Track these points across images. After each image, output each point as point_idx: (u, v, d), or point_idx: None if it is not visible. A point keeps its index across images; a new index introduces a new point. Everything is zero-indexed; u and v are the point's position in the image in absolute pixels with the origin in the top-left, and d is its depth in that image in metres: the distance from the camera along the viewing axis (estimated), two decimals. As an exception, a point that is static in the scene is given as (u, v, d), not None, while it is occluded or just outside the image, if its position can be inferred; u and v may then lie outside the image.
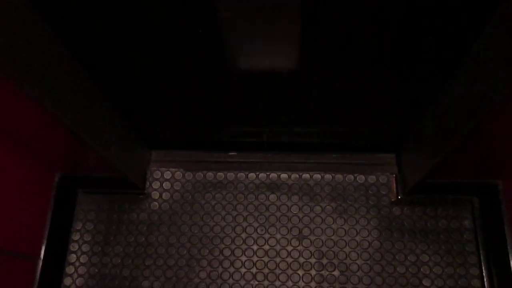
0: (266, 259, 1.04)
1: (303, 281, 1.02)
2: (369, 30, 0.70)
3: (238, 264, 1.04)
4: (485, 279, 1.00)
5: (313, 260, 1.04)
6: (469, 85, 0.73)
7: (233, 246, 1.05)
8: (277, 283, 1.03)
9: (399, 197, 1.06)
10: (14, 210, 0.91)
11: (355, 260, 1.03)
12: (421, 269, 1.02)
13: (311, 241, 1.05)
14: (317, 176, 1.10)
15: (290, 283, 1.02)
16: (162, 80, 0.85)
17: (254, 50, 0.75)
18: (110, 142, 0.89)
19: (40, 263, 1.00)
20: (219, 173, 1.10)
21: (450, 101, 0.80)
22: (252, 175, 1.10)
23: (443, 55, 0.74)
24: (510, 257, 0.98)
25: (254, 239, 1.06)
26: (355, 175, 1.09)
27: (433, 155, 0.86)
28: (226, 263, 1.04)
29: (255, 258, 1.04)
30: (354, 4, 0.64)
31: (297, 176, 1.10)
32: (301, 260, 1.04)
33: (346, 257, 1.04)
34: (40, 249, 1.01)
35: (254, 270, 1.04)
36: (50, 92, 0.68)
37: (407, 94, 0.87)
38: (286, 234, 1.06)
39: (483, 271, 1.01)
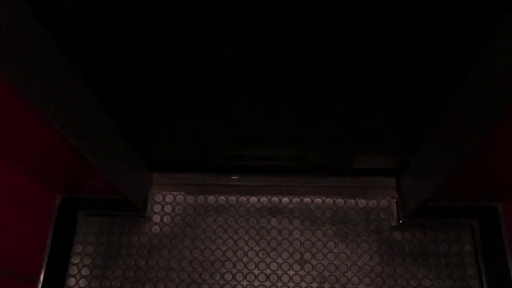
0: (267, 283, 1.03)
1: (305, 306, 1.01)
2: (366, 58, 0.72)
3: (239, 288, 1.03)
4: (487, 304, 1.00)
5: (315, 285, 1.03)
6: (468, 108, 0.74)
7: (234, 271, 1.04)
8: (279, 308, 1.01)
9: (400, 221, 1.06)
10: (14, 231, 0.90)
11: (357, 285, 1.03)
12: (424, 294, 1.01)
13: (312, 266, 1.05)
14: (318, 200, 1.10)
15: (292, 308, 1.01)
16: (164, 103, 0.86)
17: (257, 74, 0.77)
18: (113, 163, 0.89)
19: (40, 286, 0.98)
20: (220, 197, 1.11)
21: (449, 125, 0.82)
22: (253, 199, 1.11)
23: (442, 79, 0.76)
24: (512, 280, 0.98)
25: (255, 263, 1.05)
26: (356, 199, 1.10)
27: (433, 178, 0.87)
28: (228, 288, 1.03)
29: (256, 283, 1.03)
30: (351, 34, 0.66)
31: (299, 200, 1.10)
32: (303, 285, 1.03)
33: (348, 281, 1.03)
34: (40, 271, 0.99)
35: (255, 294, 1.02)
36: (58, 113, 0.68)
37: (406, 118, 0.89)
38: (288, 259, 1.05)
39: (485, 295, 1.00)
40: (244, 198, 1.11)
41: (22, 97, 0.60)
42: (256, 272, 1.04)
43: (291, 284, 1.03)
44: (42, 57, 0.63)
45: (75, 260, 1.05)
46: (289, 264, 1.05)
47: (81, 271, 1.04)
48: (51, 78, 0.66)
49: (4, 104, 0.63)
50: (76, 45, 0.69)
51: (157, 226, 1.08)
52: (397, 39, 0.66)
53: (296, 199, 1.10)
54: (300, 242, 1.07)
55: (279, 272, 1.04)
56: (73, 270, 1.04)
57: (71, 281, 1.03)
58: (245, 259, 1.05)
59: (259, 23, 0.65)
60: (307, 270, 1.04)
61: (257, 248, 1.06)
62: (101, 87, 0.80)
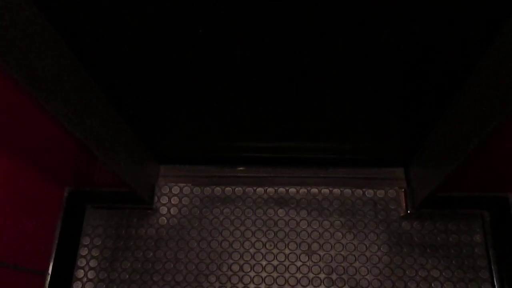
0: (275, 274, 1.03)
1: (312, 297, 1.01)
2: (377, 56, 0.71)
3: (247, 279, 1.03)
4: (497, 295, 0.99)
5: (322, 276, 1.03)
6: (478, 98, 0.73)
7: (241, 261, 1.04)
8: (287, 299, 1.01)
9: (409, 211, 1.05)
10: (23, 224, 0.90)
11: (365, 275, 1.02)
12: (432, 285, 1.01)
13: (320, 256, 1.04)
14: (326, 190, 1.09)
15: (299, 299, 1.01)
16: (171, 95, 0.86)
17: (264, 67, 0.76)
18: (120, 156, 0.89)
19: (48, 278, 0.99)
20: (227, 188, 1.10)
21: (459, 114, 0.80)
22: (260, 189, 1.10)
23: (451, 70, 0.74)
24: (522, 271, 0.97)
25: (262, 254, 1.05)
26: (364, 189, 1.09)
27: (443, 168, 0.86)
28: (235, 279, 1.03)
29: (264, 274, 1.03)
30: (358, 30, 0.65)
31: (306, 190, 1.09)
32: (311, 275, 1.03)
33: (356, 272, 1.02)
34: (48, 264, 1.00)
35: (263, 286, 1.02)
36: (64, 106, 0.68)
37: (415, 107, 0.87)
38: (295, 249, 1.05)
39: (495, 286, 0.99)
40: (251, 189, 1.10)
41: (27, 91, 0.60)
42: (264, 263, 1.04)
43: (298, 275, 1.03)
44: (47, 51, 0.63)
45: (83, 252, 1.06)
46: (297, 255, 1.05)
47: (90, 263, 1.05)
48: (56, 73, 0.66)
49: (10, 98, 0.63)
50: (82, 40, 0.69)
51: (164, 218, 1.08)
52: (406, 34, 0.66)
53: (303, 190, 1.10)
54: (308, 233, 1.06)
55: (287, 263, 1.04)
56: (81, 262, 1.05)
57: (80, 273, 1.04)
58: (252, 250, 1.05)
59: (265, 19, 0.64)
60: (314, 261, 1.04)
61: (264, 239, 1.06)
62: (107, 81, 0.80)
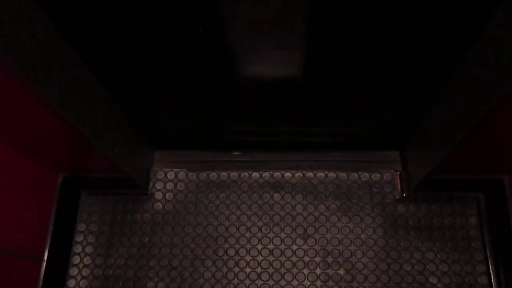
0: (271, 258, 1.04)
1: (308, 280, 1.02)
2: (371, 37, 0.70)
3: (243, 263, 1.03)
4: (492, 276, 0.99)
5: (318, 259, 1.03)
6: (473, 80, 0.72)
7: (237, 246, 1.05)
8: (282, 282, 1.02)
9: (404, 194, 1.05)
10: (18, 211, 0.90)
11: (361, 258, 1.03)
12: (427, 267, 1.01)
13: (316, 240, 1.04)
14: (321, 174, 1.09)
15: (295, 282, 1.02)
16: (165, 80, 0.85)
17: (259, 51, 0.75)
18: (114, 142, 0.89)
19: (44, 264, 0.99)
20: (222, 173, 1.10)
21: (454, 96, 0.80)
22: (255, 174, 1.10)
23: (446, 52, 0.74)
24: (517, 253, 0.97)
25: (258, 238, 1.05)
26: (359, 173, 1.09)
27: (438, 151, 0.86)
28: (231, 263, 1.03)
29: (260, 258, 1.04)
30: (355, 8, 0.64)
31: (301, 174, 1.09)
32: (306, 259, 1.03)
33: (352, 255, 1.03)
34: (44, 250, 1.00)
35: (259, 269, 1.03)
36: (55, 91, 0.68)
37: (410, 91, 0.87)
38: (291, 233, 1.05)
39: (490, 267, 1.00)
40: (246, 173, 1.10)
41: (16, 74, 0.59)
42: (259, 247, 1.04)
43: (294, 259, 1.03)
44: (35, 33, 0.62)
45: (79, 238, 1.05)
46: (292, 238, 1.05)
47: (86, 249, 1.05)
48: (46, 56, 0.65)
49: (1, 86, 0.62)
50: (72, 22, 0.68)
51: (159, 203, 1.08)
52: (401, 12, 0.64)
53: (298, 174, 1.09)
54: (303, 217, 1.06)
55: (282, 246, 1.04)
56: (77, 248, 1.05)
57: (76, 259, 1.04)
58: (248, 235, 1.05)
59: None
60: (310, 245, 1.04)
61: (260, 224, 1.06)
62: (100, 65, 0.79)
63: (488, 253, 1.01)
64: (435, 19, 0.66)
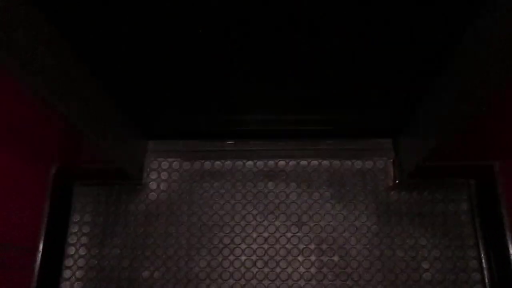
0: (266, 246, 1.05)
1: (303, 267, 1.03)
2: (365, 25, 0.70)
3: (238, 252, 1.04)
4: (483, 261, 1.01)
5: (312, 246, 1.04)
6: (466, 69, 0.73)
7: (232, 234, 1.05)
8: (278, 269, 1.03)
9: (397, 181, 1.06)
10: (11, 203, 0.90)
11: (354, 245, 1.04)
12: (420, 252, 1.03)
13: (310, 228, 1.05)
14: (315, 162, 1.10)
15: (290, 269, 1.03)
16: (158, 69, 0.84)
17: (251, 39, 0.75)
18: (107, 132, 0.88)
19: (39, 256, 0.99)
20: (216, 162, 1.10)
21: (447, 85, 0.81)
22: (249, 163, 1.10)
23: (440, 40, 0.74)
24: (507, 238, 0.99)
25: (253, 226, 1.06)
26: (352, 161, 1.09)
27: (430, 138, 0.87)
28: (226, 251, 1.04)
29: (254, 246, 1.05)
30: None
31: (295, 163, 1.10)
32: (301, 246, 1.04)
33: (346, 242, 1.04)
34: (39, 242, 1.00)
35: (254, 257, 1.04)
36: (46, 81, 0.67)
37: (403, 78, 0.87)
38: (285, 221, 1.06)
39: (481, 252, 1.02)
40: (240, 162, 1.10)
41: (7, 66, 0.58)
42: (254, 235, 1.05)
43: (289, 246, 1.04)
44: (28, 26, 0.61)
45: (73, 229, 1.05)
46: (287, 226, 1.06)
47: (80, 240, 1.05)
48: (37, 46, 0.64)
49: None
50: (65, 13, 0.67)
51: (154, 193, 1.08)
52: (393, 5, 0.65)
53: (292, 162, 1.10)
54: (297, 205, 1.07)
55: (277, 234, 1.05)
56: (72, 239, 1.05)
57: (71, 250, 1.04)
58: (243, 223, 1.06)
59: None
60: (304, 232, 1.05)
61: (254, 212, 1.07)
62: (92, 55, 0.78)
63: (479, 238, 1.03)
64: (427, 9, 0.66)
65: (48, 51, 0.68)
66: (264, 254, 1.04)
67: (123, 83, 0.89)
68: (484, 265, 1.01)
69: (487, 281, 1.00)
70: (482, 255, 1.01)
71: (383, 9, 0.67)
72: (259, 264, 1.03)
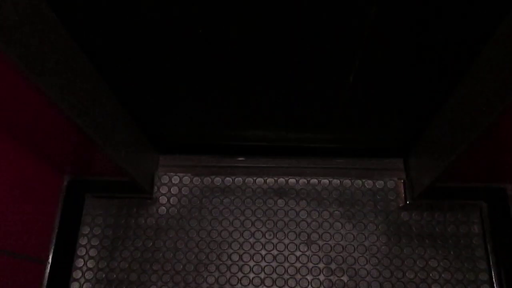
0: (274, 264, 1.04)
1: (311, 286, 1.02)
2: (376, 44, 0.70)
3: (246, 269, 1.03)
4: (494, 284, 0.99)
5: (321, 265, 1.03)
6: (478, 90, 0.73)
7: (241, 251, 1.05)
8: (286, 288, 1.02)
9: (407, 202, 1.06)
10: (22, 213, 0.90)
11: (364, 265, 1.03)
12: (430, 275, 1.01)
13: (319, 246, 1.05)
14: (325, 181, 1.10)
15: (298, 288, 1.02)
16: (171, 84, 0.86)
17: (263, 55, 0.76)
18: (120, 145, 0.89)
19: (48, 267, 0.99)
20: (227, 178, 1.10)
21: (458, 105, 0.81)
22: (260, 180, 1.10)
23: (451, 60, 0.75)
24: (519, 262, 0.98)
25: (262, 244, 1.05)
26: (363, 180, 1.09)
27: (442, 159, 0.86)
28: (235, 268, 1.03)
29: (263, 263, 1.04)
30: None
31: (305, 181, 1.10)
32: (310, 265, 1.03)
33: (355, 262, 1.03)
34: (48, 253, 1.00)
35: (262, 275, 1.03)
36: (63, 92, 0.68)
37: (415, 98, 0.87)
38: (295, 239, 1.06)
39: (493, 276, 1.00)
40: (250, 179, 1.10)
41: (27, 77, 0.59)
42: (263, 252, 1.05)
43: (298, 265, 1.04)
44: (45, 34, 0.63)
45: (83, 241, 1.05)
46: (296, 245, 1.05)
47: (89, 252, 1.05)
48: (57, 59, 0.66)
49: (9, 85, 0.62)
50: (82, 26, 0.69)
51: (164, 208, 1.08)
52: (405, 19, 0.65)
53: (302, 180, 1.10)
54: (307, 223, 1.07)
55: (286, 252, 1.05)
56: (81, 251, 1.05)
57: (79, 262, 1.04)
58: (252, 240, 1.06)
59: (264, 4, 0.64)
60: (314, 251, 1.04)
61: (263, 229, 1.06)
62: (108, 69, 0.79)
63: (490, 262, 1.01)
64: (440, 31, 0.67)
65: (68, 65, 0.69)
66: (273, 272, 1.03)
67: (137, 97, 0.90)
68: (496, 289, 0.99)
69: (499, 306, 0.98)
70: (494, 279, 1.00)
71: (392, 29, 0.68)
72: (268, 282, 1.02)
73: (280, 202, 1.08)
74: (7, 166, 0.83)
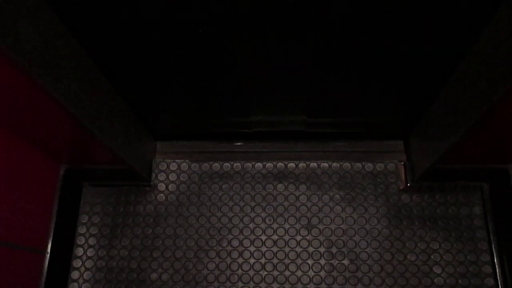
0: (275, 249, 1.03)
1: (312, 270, 1.02)
2: (376, 26, 0.69)
3: (247, 254, 1.03)
4: (496, 265, 0.99)
5: (322, 249, 1.03)
6: (479, 71, 0.72)
7: (241, 237, 1.04)
8: (287, 273, 1.02)
9: (408, 184, 1.05)
10: (20, 203, 0.89)
11: (365, 248, 1.03)
12: (432, 257, 1.01)
13: (320, 231, 1.04)
14: (325, 165, 1.09)
15: (299, 273, 1.02)
16: (167, 71, 0.84)
17: (261, 41, 0.74)
18: (117, 133, 0.88)
19: (47, 257, 0.99)
20: (225, 164, 1.09)
21: (459, 86, 0.79)
22: (259, 165, 1.09)
23: (451, 41, 0.73)
24: (521, 242, 0.97)
25: (262, 229, 1.05)
26: (363, 163, 1.08)
27: (443, 141, 0.85)
28: (235, 254, 1.03)
29: (264, 248, 1.04)
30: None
31: (305, 165, 1.09)
32: (311, 249, 1.03)
33: (356, 245, 1.03)
34: (47, 242, 0.99)
35: (263, 260, 1.03)
36: (57, 81, 0.67)
37: (415, 79, 0.86)
38: (295, 224, 1.05)
39: (494, 257, 1.00)
40: (249, 164, 1.09)
41: (21, 67, 0.58)
42: (263, 238, 1.04)
43: (298, 249, 1.03)
44: (41, 26, 0.61)
45: (82, 230, 1.05)
46: (296, 229, 1.05)
47: (88, 241, 1.04)
48: (51, 47, 0.64)
49: (3, 76, 0.61)
50: (77, 15, 0.67)
51: (162, 195, 1.08)
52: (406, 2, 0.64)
53: (302, 164, 1.09)
54: (307, 207, 1.06)
55: (286, 237, 1.04)
56: (80, 240, 1.04)
57: (79, 251, 1.04)
58: (251, 225, 1.05)
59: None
60: (314, 235, 1.04)
61: (263, 214, 1.06)
62: (103, 57, 0.78)
63: (492, 242, 1.01)
64: (441, 7, 0.65)
65: (63, 54, 0.68)
66: (273, 257, 1.03)
67: (133, 84, 0.88)
68: (497, 270, 0.99)
69: (500, 286, 0.98)
70: (496, 260, 1.00)
71: (393, 11, 0.66)
72: (268, 267, 1.02)
73: (280, 186, 1.08)
74: (2, 156, 0.82)
